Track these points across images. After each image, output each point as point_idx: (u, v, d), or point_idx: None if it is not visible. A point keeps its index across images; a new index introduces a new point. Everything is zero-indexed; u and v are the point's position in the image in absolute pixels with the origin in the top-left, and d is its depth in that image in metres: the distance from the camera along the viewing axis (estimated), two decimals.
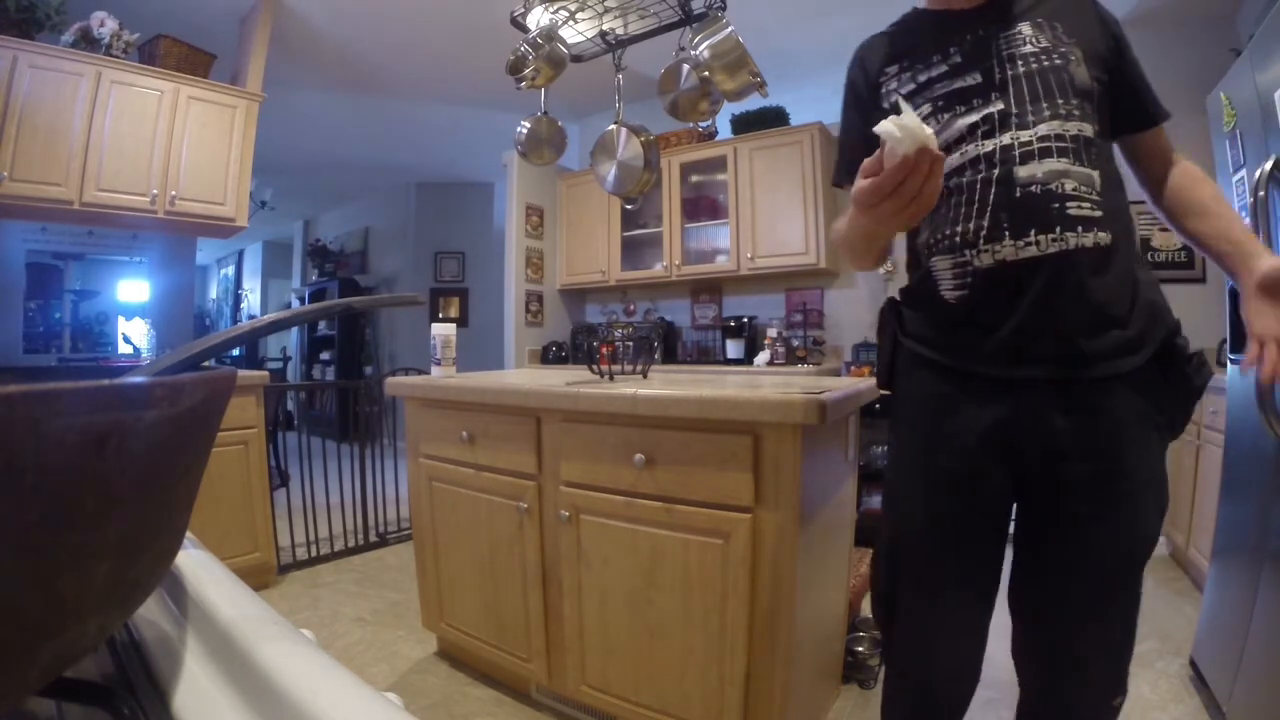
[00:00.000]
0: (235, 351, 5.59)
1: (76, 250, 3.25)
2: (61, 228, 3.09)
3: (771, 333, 3.45)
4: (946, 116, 0.92)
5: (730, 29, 1.45)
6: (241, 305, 8.21)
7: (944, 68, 0.94)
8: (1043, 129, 0.87)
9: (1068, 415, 0.88)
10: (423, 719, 1.51)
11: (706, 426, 1.29)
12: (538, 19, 1.74)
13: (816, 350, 3.51)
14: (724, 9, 1.53)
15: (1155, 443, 0.91)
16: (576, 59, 1.87)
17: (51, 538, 0.23)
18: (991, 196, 0.88)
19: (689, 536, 1.32)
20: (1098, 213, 0.86)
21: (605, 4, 1.67)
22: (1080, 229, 0.85)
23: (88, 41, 2.48)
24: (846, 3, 3.00)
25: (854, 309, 3.49)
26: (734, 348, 3.60)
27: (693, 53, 1.50)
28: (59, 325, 3.25)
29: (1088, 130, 0.88)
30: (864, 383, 1.54)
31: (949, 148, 0.92)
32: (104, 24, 2.49)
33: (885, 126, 0.69)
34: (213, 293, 8.94)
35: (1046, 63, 0.89)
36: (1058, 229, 0.85)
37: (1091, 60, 0.90)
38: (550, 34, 1.71)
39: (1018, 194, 0.86)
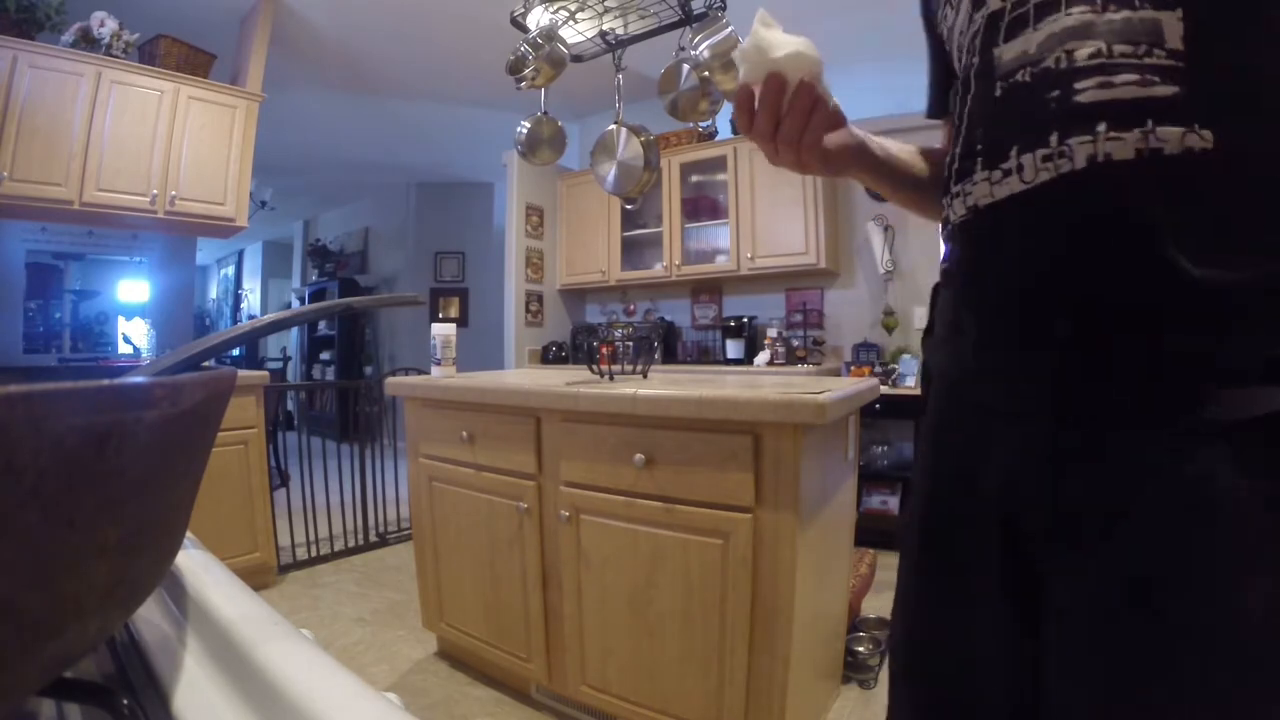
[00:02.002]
0: (235, 351, 5.59)
1: (76, 250, 3.25)
2: (61, 228, 3.09)
3: (771, 333, 3.45)
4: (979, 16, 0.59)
5: (730, 29, 1.45)
6: (241, 305, 8.21)
7: None
8: None
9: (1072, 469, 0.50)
10: (423, 719, 1.50)
11: (706, 426, 1.29)
12: (538, 19, 1.74)
13: (816, 350, 3.51)
14: (724, 9, 1.53)
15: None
16: (576, 59, 1.87)
17: (51, 538, 0.23)
18: (967, 107, 0.56)
19: (689, 536, 1.32)
20: (1170, 88, 0.43)
21: (605, 4, 1.67)
22: (1108, 124, 0.44)
23: (88, 41, 2.48)
24: (843, 5, 2.99)
25: (854, 309, 3.49)
26: (734, 348, 3.60)
27: (693, 53, 1.50)
28: (59, 325, 3.24)
29: None
30: (864, 383, 1.54)
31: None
32: (104, 24, 2.50)
33: (738, 49, 0.52)
34: (213, 293, 8.94)
35: None
36: (1052, 137, 0.47)
37: None
38: (550, 34, 1.71)
39: (997, 93, 0.52)
